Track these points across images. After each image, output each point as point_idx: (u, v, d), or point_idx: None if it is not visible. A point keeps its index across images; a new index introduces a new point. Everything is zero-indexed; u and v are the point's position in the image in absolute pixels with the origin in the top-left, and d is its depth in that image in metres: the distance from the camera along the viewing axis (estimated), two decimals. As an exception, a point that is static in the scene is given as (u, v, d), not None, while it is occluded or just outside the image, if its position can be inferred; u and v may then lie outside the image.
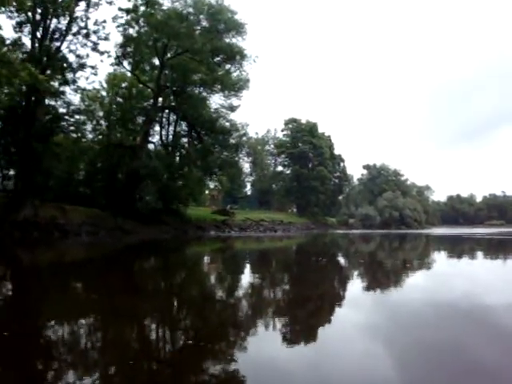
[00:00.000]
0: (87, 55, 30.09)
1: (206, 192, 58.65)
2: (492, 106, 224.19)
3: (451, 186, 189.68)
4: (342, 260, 18.83)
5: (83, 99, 36.57)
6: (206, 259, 18.82)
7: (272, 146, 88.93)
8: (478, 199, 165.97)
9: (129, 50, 35.72)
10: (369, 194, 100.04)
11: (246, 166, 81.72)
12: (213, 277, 12.45)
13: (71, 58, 29.57)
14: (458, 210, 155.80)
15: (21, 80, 22.81)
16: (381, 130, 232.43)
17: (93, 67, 30.00)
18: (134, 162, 33.92)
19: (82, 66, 29.26)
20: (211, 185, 52.28)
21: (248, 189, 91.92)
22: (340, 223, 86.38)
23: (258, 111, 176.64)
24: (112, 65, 36.41)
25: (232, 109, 43.92)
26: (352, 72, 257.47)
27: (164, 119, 44.22)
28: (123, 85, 39.41)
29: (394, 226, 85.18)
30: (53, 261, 16.41)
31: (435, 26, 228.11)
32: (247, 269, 14.80)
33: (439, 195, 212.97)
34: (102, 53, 30.29)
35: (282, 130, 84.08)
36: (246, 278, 12.04)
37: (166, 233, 35.75)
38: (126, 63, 37.73)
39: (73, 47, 29.57)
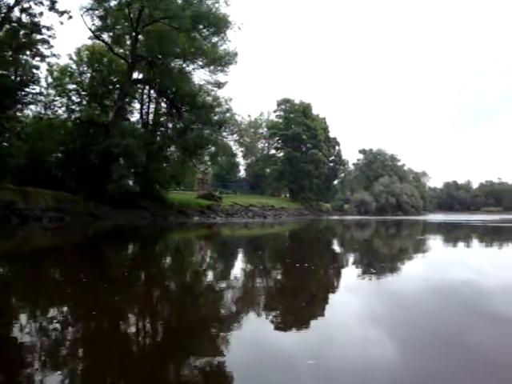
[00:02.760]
0: (41, 13, 26.38)
1: (195, 175, 54.91)
2: (491, 93, 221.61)
3: (448, 173, 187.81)
4: (337, 253, 15.87)
5: (51, 72, 33.24)
6: (176, 250, 15.55)
7: (265, 129, 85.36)
8: (475, 186, 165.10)
9: (97, 13, 31.93)
10: (365, 179, 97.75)
11: (237, 148, 79.07)
12: (187, 272, 9.82)
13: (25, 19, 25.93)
14: (455, 197, 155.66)
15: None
16: (377, 114, 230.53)
17: (48, 28, 26.36)
18: (107, 141, 30.55)
19: (35, 27, 25.54)
20: (201, 167, 48.81)
21: (242, 174, 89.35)
22: (335, 209, 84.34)
23: (251, 93, 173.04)
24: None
25: (219, 85, 40.50)
26: (348, 54, 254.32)
27: (145, 96, 40.94)
28: (95, 57, 35.77)
29: (391, 211, 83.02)
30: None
31: (436, 10, 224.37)
32: (229, 264, 11.87)
33: (436, 181, 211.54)
34: (61, 13, 26.68)
35: (275, 111, 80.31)
36: (228, 274, 9.49)
37: (143, 218, 32.95)
38: (95, 29, 33.65)
39: (26, 5, 25.88)
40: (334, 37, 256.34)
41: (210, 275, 9.31)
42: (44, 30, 27.19)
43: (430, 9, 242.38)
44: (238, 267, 10.48)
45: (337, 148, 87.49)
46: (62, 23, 27.83)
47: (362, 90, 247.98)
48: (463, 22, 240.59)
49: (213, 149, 38.25)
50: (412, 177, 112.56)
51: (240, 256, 13.62)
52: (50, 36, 28.44)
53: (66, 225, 26.41)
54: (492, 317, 5.39)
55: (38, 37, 28.08)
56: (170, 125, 39.14)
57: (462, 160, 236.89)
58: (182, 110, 36.31)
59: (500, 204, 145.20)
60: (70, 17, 28.03)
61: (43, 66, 33.01)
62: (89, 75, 36.56)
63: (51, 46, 30.10)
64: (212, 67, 39.36)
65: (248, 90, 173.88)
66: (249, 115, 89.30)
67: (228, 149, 41.68)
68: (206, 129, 36.62)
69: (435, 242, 19.89)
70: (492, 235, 25.64)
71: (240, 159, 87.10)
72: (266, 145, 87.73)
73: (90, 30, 32.20)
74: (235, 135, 40.15)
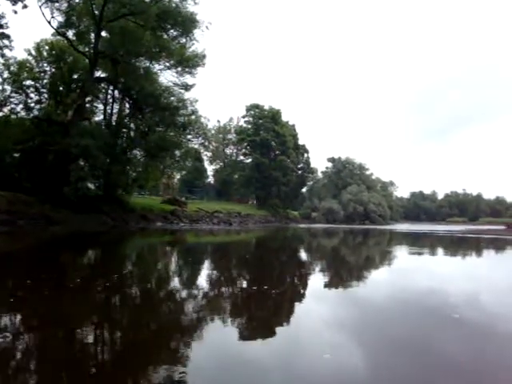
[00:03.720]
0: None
1: (159, 179, 53.18)
2: (458, 106, 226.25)
3: (414, 183, 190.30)
4: (302, 259, 15.03)
5: (7, 66, 31.53)
6: (133, 262, 14.33)
7: (234, 134, 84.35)
8: (440, 196, 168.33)
9: (58, 6, 30.41)
10: (333, 187, 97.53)
11: (203, 153, 77.67)
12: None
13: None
14: (421, 207, 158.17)
15: None
16: (346, 123, 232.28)
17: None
18: (65, 141, 28.98)
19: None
20: (167, 171, 47.11)
21: (210, 179, 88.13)
22: (302, 217, 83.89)
23: (221, 98, 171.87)
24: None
25: (186, 88, 39.29)
26: (318, 62, 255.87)
27: (109, 96, 39.44)
28: (56, 53, 34.13)
29: (358, 220, 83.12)
30: None
31: (407, 23, 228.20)
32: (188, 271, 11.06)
33: (402, 191, 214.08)
34: (14, 0, 25.14)
35: (244, 117, 79.23)
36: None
37: (103, 224, 31.41)
38: (56, 24, 32.16)
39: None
40: (306, 43, 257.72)
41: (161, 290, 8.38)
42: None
43: (401, 19, 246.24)
44: (197, 283, 9.35)
45: (305, 155, 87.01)
46: (15, 12, 26.25)
47: (332, 98, 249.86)
48: (435, 34, 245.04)
49: (177, 152, 36.88)
50: (380, 186, 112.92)
51: (201, 270, 12.38)
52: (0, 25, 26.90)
53: (17, 229, 24.74)
54: (456, 323, 5.66)
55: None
56: (134, 126, 37.62)
57: (428, 170, 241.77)
58: (146, 111, 34.89)
59: (464, 214, 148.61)
60: (25, 6, 26.39)
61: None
62: (48, 72, 34.86)
63: (5, 36, 28.71)
64: (179, 68, 38.19)
65: (218, 94, 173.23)
66: (218, 120, 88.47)
67: (192, 152, 40.05)
68: (169, 131, 35.37)
69: (402, 252, 19.41)
70: (457, 245, 25.97)
71: (207, 164, 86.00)
72: (235, 151, 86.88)
73: (49, 23, 30.75)
74: (200, 138, 38.39)
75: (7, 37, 32.43)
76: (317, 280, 9.71)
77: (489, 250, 23.23)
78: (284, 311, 6.63)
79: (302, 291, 8.68)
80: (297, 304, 7.14)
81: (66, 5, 30.48)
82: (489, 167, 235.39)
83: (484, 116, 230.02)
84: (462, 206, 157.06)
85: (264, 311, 6.58)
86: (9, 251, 14.71)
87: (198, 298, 7.20)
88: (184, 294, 7.78)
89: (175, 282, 9.24)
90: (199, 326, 5.33)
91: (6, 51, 30.29)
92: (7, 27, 27.47)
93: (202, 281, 9.40)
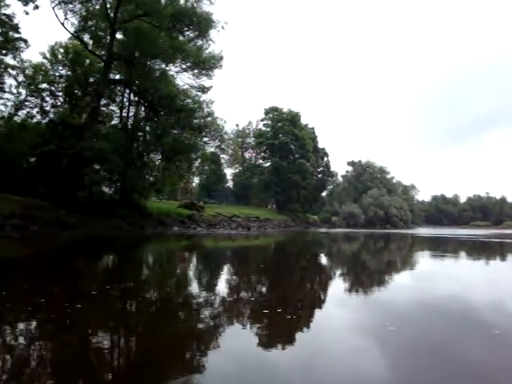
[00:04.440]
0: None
1: (178, 183, 52.52)
2: (480, 109, 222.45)
3: (436, 186, 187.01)
4: (325, 265, 14.06)
5: (23, 69, 31.21)
6: (150, 270, 13.49)
7: (253, 138, 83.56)
8: (462, 200, 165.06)
9: (71, 7, 29.91)
10: (353, 191, 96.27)
11: (222, 157, 77.08)
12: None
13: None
14: (443, 211, 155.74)
15: None
16: (367, 126, 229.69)
17: (9, 16, 24.28)
18: (79, 144, 28.44)
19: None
20: (185, 175, 46.34)
21: (229, 184, 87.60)
22: (322, 221, 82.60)
23: (239, 102, 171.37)
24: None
25: (203, 90, 38.72)
26: (338, 64, 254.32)
27: (125, 99, 38.93)
28: (71, 56, 33.74)
29: (379, 224, 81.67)
30: None
31: (428, 26, 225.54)
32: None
33: (423, 195, 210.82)
34: (25, 1, 24.68)
35: (262, 120, 78.50)
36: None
37: (118, 228, 30.87)
38: (69, 25, 31.66)
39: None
40: (325, 46, 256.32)
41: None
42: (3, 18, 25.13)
43: (422, 20, 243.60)
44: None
45: (325, 159, 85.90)
46: (27, 13, 25.84)
47: (352, 101, 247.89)
48: (458, 39, 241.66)
49: (193, 155, 35.99)
50: (401, 189, 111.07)
51: (220, 278, 11.49)
52: (10, 26, 26.57)
53: (30, 234, 24.22)
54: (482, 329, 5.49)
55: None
56: (149, 129, 36.96)
57: (450, 174, 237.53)
58: (161, 113, 34.16)
59: (488, 218, 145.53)
60: (36, 6, 26.06)
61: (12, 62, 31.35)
62: (64, 75, 34.45)
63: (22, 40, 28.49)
64: (196, 70, 37.66)
65: (236, 98, 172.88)
66: (237, 124, 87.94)
67: (209, 156, 38.88)
68: (185, 133, 34.58)
69: (431, 259, 18.11)
70: (483, 250, 24.83)
71: (226, 169, 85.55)
72: (254, 154, 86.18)
73: (63, 24, 30.30)
74: (217, 141, 37.39)
75: (24, 41, 32.28)
76: (342, 291, 8.84)
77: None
78: (311, 316, 6.39)
79: (332, 297, 8.18)
80: (327, 310, 6.95)
81: (79, 6, 30.06)
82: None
83: (508, 118, 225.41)
84: (486, 210, 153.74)
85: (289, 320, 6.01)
86: (16, 258, 14.02)
87: (223, 306, 6.92)
88: (209, 302, 7.36)
89: (194, 291, 8.63)
90: (226, 334, 5.20)
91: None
92: (18, 28, 27.05)
93: (227, 289, 8.78)
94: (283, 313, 6.26)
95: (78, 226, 28.44)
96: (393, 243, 31.54)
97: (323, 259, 17.93)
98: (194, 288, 8.99)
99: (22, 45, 30.68)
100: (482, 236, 44.93)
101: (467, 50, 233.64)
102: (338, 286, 9.55)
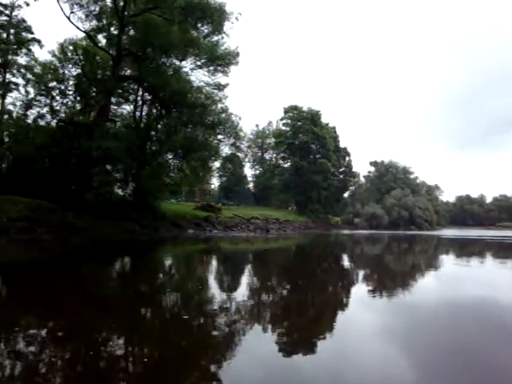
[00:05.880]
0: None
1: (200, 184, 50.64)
2: (505, 110, 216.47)
3: (460, 187, 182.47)
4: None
5: (31, 68, 30.14)
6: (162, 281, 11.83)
7: (273, 138, 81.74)
8: (488, 200, 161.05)
9: (78, 0, 28.47)
10: (376, 192, 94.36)
11: (242, 157, 75.73)
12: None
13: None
14: (467, 211, 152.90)
15: None
16: (389, 125, 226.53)
17: (5, 5, 23.10)
18: (87, 143, 27.08)
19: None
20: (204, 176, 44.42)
21: (250, 185, 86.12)
22: (344, 222, 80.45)
23: (260, 102, 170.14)
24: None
25: (219, 87, 37.21)
26: (360, 62, 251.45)
27: (138, 98, 37.53)
28: (80, 52, 32.52)
29: (403, 226, 79.26)
30: None
31: (452, 28, 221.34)
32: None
33: (447, 195, 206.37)
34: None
35: (282, 119, 76.72)
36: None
37: (130, 231, 29.49)
38: (75, 19, 30.24)
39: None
40: (348, 44, 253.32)
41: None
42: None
43: (447, 20, 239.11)
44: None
45: (347, 159, 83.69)
46: (27, 4, 24.70)
47: (374, 101, 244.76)
48: (480, 37, 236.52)
49: (207, 153, 34.08)
50: (425, 190, 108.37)
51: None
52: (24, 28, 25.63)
53: (35, 237, 22.93)
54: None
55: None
56: (161, 127, 35.39)
57: (475, 174, 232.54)
58: (173, 110, 32.45)
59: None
60: (37, -2, 24.87)
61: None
62: (74, 72, 33.30)
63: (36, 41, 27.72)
64: (211, 67, 36.22)
65: (256, 97, 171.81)
66: (257, 125, 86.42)
67: (219, 152, 36.49)
68: (197, 131, 32.85)
69: (471, 265, 16.04)
70: None
71: (246, 170, 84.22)
72: (274, 155, 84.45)
73: (68, 18, 28.80)
74: (232, 138, 35.43)
75: (38, 41, 31.47)
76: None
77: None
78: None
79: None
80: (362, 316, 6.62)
81: (86, -1, 28.67)
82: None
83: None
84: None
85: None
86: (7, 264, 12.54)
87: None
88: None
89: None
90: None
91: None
92: (31, 29, 26.16)
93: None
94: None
95: (87, 228, 27.28)
96: (425, 247, 29.49)
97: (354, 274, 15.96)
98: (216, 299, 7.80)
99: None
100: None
101: (491, 51, 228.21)
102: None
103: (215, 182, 76.53)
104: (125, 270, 12.40)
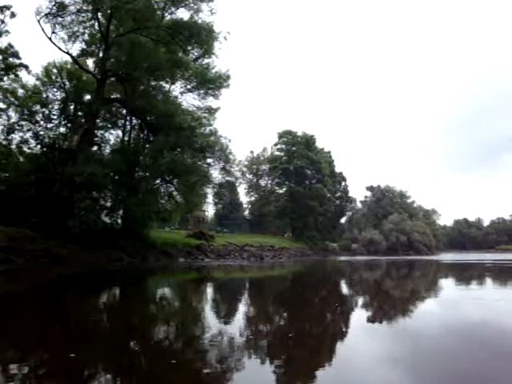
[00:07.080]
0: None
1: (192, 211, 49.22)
2: (500, 132, 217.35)
3: (457, 210, 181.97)
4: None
5: (12, 92, 29.19)
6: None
7: (268, 164, 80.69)
8: (486, 223, 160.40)
9: (60, 20, 27.46)
10: (373, 217, 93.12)
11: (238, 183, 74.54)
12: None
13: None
14: (466, 235, 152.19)
15: None
16: (384, 150, 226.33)
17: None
18: (70, 168, 25.82)
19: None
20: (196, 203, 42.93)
21: (246, 212, 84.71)
22: (342, 248, 78.85)
23: (254, 128, 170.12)
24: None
25: (210, 111, 36.32)
26: (354, 87, 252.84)
27: (127, 122, 36.47)
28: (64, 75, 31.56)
29: (402, 251, 77.75)
30: None
31: (445, 45, 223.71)
32: None
33: (445, 219, 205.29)
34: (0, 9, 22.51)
35: (276, 144, 75.91)
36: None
37: (117, 260, 28.11)
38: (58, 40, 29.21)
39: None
40: (339, 69, 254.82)
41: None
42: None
43: (439, 41, 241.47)
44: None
45: (343, 183, 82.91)
46: (2, 22, 23.73)
47: (369, 125, 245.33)
48: (474, 57, 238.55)
49: (192, 177, 32.57)
50: (422, 214, 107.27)
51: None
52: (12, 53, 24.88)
53: (13, 268, 21.50)
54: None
55: None
56: (147, 151, 34.27)
57: (471, 197, 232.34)
58: (159, 132, 31.22)
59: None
60: (13, 14, 23.97)
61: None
62: (58, 96, 32.24)
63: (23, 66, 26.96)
64: (202, 91, 35.45)
65: (249, 123, 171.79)
66: (251, 151, 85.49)
67: (208, 176, 34.91)
68: (185, 154, 31.51)
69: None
70: None
71: (242, 197, 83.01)
72: (269, 181, 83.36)
73: (50, 39, 27.72)
74: (222, 162, 34.11)
75: (25, 67, 30.72)
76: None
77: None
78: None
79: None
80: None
81: (69, 19, 27.66)
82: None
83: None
84: (511, 233, 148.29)
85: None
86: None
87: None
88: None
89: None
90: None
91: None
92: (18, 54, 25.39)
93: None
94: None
95: (70, 258, 25.87)
96: (427, 273, 28.14)
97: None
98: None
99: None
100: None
101: (485, 71, 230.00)
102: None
103: (210, 210, 75.11)
104: (98, 304, 11.04)
